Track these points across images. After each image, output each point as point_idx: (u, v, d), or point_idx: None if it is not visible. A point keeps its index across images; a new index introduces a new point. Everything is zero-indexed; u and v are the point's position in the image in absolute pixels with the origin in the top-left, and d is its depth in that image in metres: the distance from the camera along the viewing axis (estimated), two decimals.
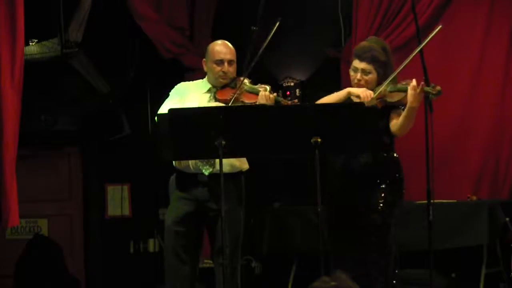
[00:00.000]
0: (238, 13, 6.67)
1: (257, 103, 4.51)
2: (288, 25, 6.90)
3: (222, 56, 4.67)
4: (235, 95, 4.53)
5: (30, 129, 6.40)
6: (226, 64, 4.67)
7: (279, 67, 7.01)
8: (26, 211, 5.91)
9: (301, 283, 6.10)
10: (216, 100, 4.67)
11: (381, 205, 4.49)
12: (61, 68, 6.56)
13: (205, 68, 4.77)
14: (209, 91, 4.74)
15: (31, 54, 6.24)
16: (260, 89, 4.58)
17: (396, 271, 4.59)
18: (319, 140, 4.11)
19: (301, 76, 6.95)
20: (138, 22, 6.70)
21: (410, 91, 4.34)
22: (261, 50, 4.49)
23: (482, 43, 6.33)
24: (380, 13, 6.51)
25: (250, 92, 4.61)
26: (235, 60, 4.72)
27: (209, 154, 4.31)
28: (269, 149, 4.29)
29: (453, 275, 6.09)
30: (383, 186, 4.52)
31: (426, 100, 4.43)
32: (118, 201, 7.04)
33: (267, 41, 4.48)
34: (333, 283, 2.37)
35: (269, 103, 4.48)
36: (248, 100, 4.59)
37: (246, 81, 4.61)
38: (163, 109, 4.62)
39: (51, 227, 7.12)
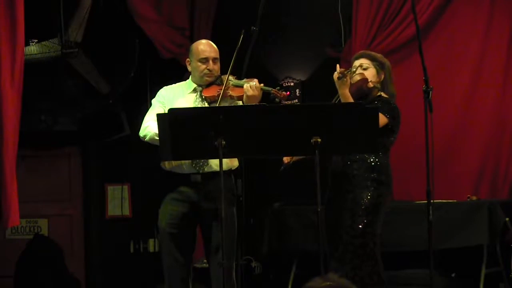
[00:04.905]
0: (238, 13, 6.67)
1: (245, 95, 4.53)
2: (288, 25, 6.97)
3: (206, 54, 4.73)
4: (222, 91, 4.56)
5: (30, 129, 6.40)
6: (211, 61, 4.73)
7: (279, 67, 7.01)
8: (26, 211, 5.91)
9: (301, 283, 6.08)
10: (203, 98, 4.70)
11: (363, 207, 4.51)
12: (61, 68, 6.56)
13: (189, 68, 4.83)
14: (194, 90, 4.77)
15: (31, 54, 6.24)
16: (246, 83, 4.61)
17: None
18: (319, 140, 4.11)
19: (301, 76, 6.95)
20: (138, 22, 6.70)
21: None
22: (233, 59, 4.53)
23: (482, 43, 6.33)
24: (380, 13, 6.51)
25: (237, 86, 4.64)
26: (218, 58, 4.77)
27: (209, 154, 4.31)
28: (269, 149, 4.28)
29: (453, 275, 6.08)
30: (367, 188, 4.54)
31: (426, 100, 4.43)
32: (118, 201, 7.04)
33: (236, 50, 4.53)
34: (327, 283, 2.36)
35: (256, 93, 4.52)
36: (235, 94, 4.62)
37: (231, 77, 4.64)
38: (145, 122, 4.74)
39: (51, 227, 7.11)
